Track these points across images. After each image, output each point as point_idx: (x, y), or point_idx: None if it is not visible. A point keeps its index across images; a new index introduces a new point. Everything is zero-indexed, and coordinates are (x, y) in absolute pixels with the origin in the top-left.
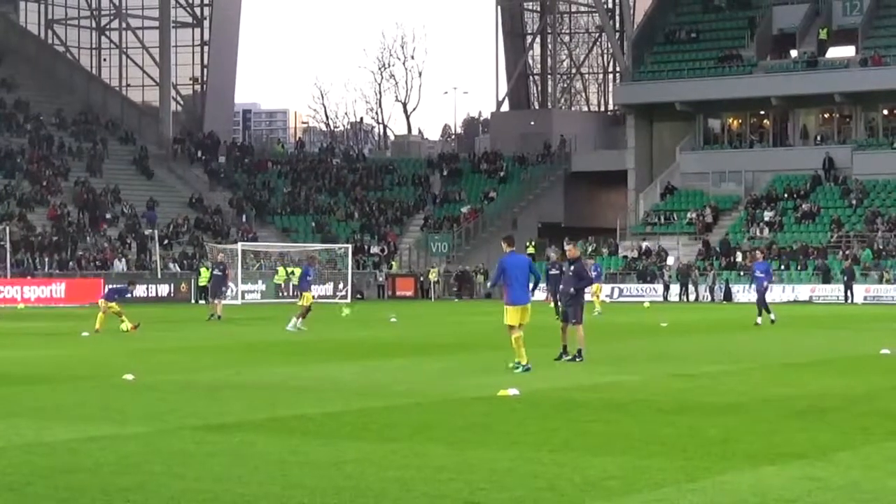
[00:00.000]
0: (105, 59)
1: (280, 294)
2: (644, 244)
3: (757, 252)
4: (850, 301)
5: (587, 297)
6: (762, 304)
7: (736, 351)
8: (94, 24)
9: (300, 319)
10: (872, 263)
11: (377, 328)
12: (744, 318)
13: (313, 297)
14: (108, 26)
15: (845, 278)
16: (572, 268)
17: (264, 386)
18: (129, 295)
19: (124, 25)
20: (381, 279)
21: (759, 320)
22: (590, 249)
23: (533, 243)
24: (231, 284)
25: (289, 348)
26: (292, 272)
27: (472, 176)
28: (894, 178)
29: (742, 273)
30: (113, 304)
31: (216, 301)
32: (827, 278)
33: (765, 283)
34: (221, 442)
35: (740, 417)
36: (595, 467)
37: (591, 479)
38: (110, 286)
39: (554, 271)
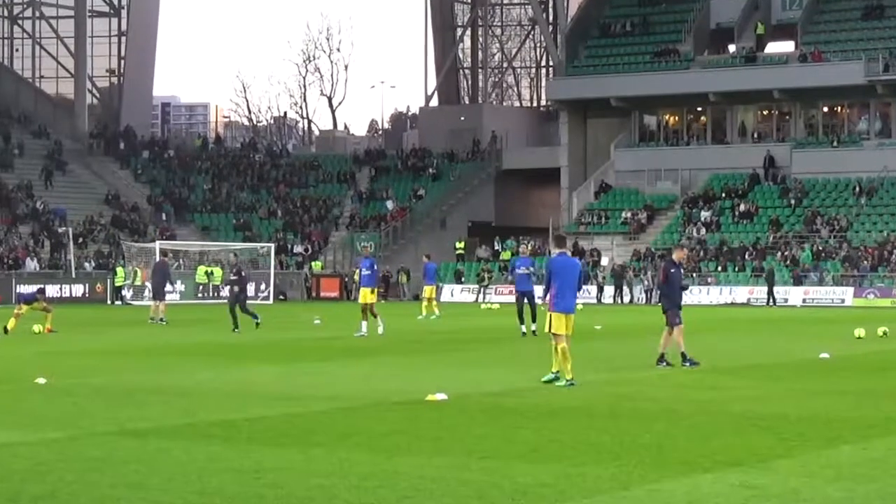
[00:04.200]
0: (17, 50)
1: (200, 295)
2: (578, 244)
3: (521, 246)
4: (771, 304)
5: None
6: (523, 314)
7: (671, 354)
8: (6, 13)
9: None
10: (812, 265)
11: (300, 330)
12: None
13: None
14: (20, 15)
15: (767, 281)
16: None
17: (182, 390)
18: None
19: (38, 14)
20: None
21: (523, 328)
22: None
23: (463, 243)
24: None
25: (208, 351)
26: (212, 272)
27: (399, 173)
28: (834, 177)
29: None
30: (35, 304)
31: (157, 303)
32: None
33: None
34: (137, 448)
35: (675, 423)
36: (526, 475)
37: (521, 487)
38: (19, 292)
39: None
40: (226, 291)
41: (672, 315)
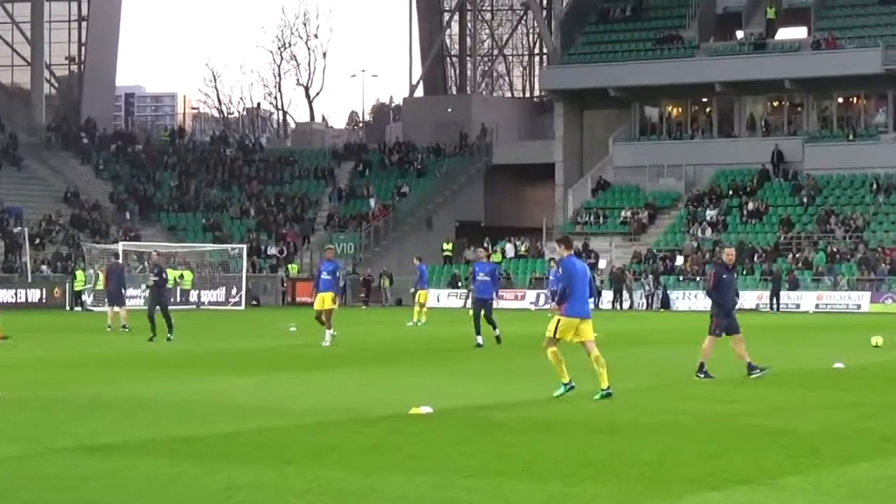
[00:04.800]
0: None
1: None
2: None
3: (480, 250)
4: (774, 309)
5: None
6: (485, 321)
7: (674, 364)
8: None
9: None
10: (826, 268)
11: (274, 338)
12: (684, 329)
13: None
14: None
15: (771, 284)
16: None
17: (146, 403)
18: None
19: None
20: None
21: (479, 339)
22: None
23: (450, 245)
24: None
25: (174, 361)
26: (181, 275)
27: (381, 169)
28: (850, 173)
29: (681, 278)
30: None
31: (115, 309)
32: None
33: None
34: (98, 465)
35: (678, 438)
36: (517, 494)
37: None
38: None
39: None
40: (194, 296)
41: (720, 322)
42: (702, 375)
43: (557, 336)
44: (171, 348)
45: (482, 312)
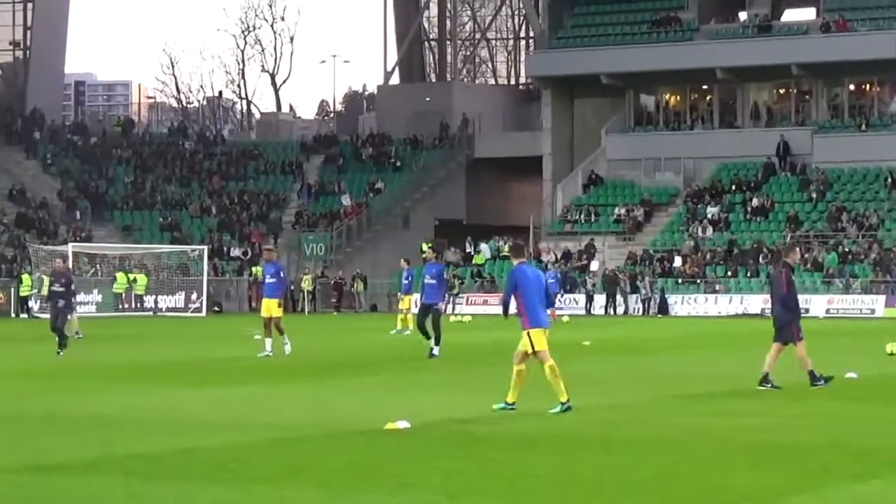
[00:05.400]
0: None
1: (121, 306)
2: (564, 245)
3: (427, 250)
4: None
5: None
6: (425, 328)
7: (673, 375)
8: None
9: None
10: (837, 269)
11: (239, 347)
12: (683, 336)
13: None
14: None
15: (771, 288)
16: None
17: (100, 417)
18: None
19: None
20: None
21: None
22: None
23: (430, 245)
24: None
25: (130, 372)
26: (135, 279)
27: (354, 163)
28: (863, 166)
29: (680, 281)
30: None
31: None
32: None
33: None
34: (46, 485)
35: (677, 455)
36: None
37: None
38: None
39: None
40: (150, 301)
41: (792, 329)
42: (821, 383)
43: (539, 348)
44: (126, 359)
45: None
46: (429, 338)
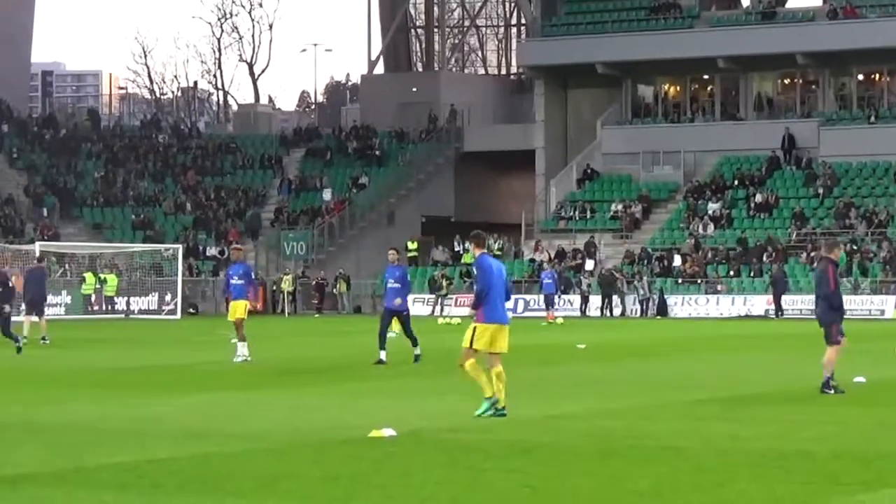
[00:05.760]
0: None
1: (90, 308)
2: (558, 244)
3: (392, 251)
4: (778, 315)
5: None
6: (386, 337)
7: (673, 379)
8: None
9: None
10: (845, 268)
11: (215, 351)
12: (684, 338)
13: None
14: None
15: (774, 288)
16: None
17: (68, 426)
18: None
19: None
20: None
21: (382, 355)
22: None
23: (416, 243)
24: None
25: (99, 379)
26: (105, 280)
27: (337, 157)
28: (872, 160)
29: (680, 281)
30: None
31: (34, 319)
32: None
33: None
34: (9, 499)
35: (679, 465)
36: None
37: None
38: None
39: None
40: (122, 303)
41: (833, 330)
42: (831, 392)
43: (475, 346)
44: (96, 365)
45: (391, 324)
46: (384, 349)
